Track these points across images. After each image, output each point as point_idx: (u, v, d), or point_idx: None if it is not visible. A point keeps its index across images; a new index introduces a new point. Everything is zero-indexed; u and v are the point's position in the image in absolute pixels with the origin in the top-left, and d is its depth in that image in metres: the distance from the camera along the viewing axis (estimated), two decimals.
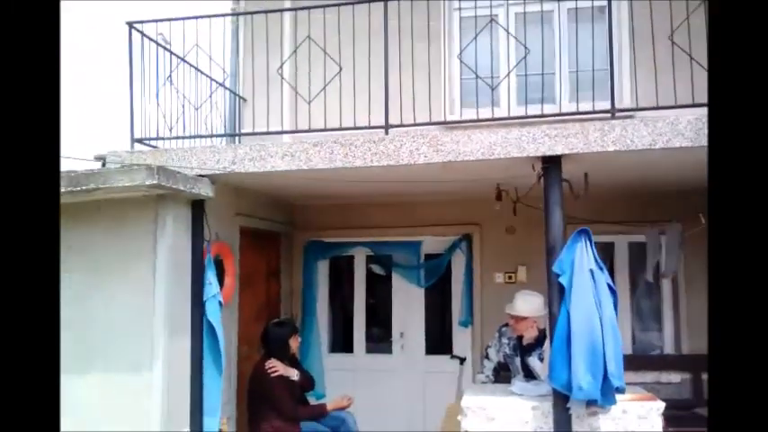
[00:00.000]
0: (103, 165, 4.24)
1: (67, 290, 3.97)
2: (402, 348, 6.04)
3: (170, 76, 4.62)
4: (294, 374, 4.59)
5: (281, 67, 4.46)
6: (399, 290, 6.08)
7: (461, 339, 5.82)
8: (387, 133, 4.00)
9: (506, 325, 4.64)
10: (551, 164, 3.68)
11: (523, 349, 4.48)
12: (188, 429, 3.99)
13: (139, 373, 3.75)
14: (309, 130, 4.20)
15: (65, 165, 3.61)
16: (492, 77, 4.28)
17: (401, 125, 4.07)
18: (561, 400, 3.53)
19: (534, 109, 4.35)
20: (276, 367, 4.47)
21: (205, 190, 3.99)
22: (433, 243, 5.95)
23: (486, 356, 4.74)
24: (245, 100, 5.95)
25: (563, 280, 3.47)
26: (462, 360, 5.68)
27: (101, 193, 3.65)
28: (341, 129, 4.13)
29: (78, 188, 3.48)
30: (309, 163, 3.92)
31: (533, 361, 4.35)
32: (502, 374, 4.68)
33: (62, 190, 3.49)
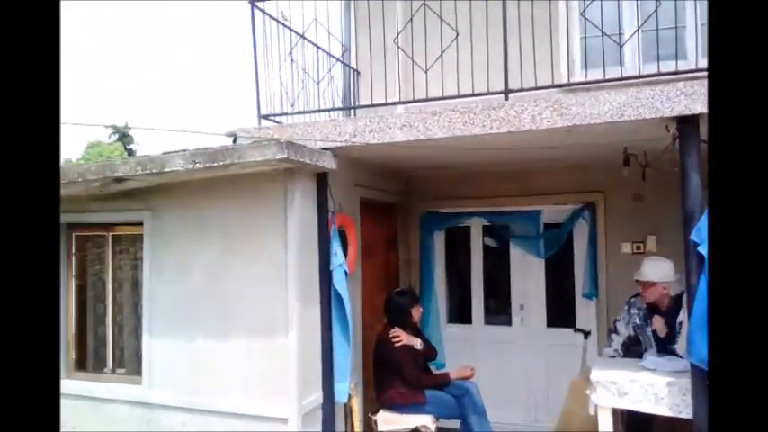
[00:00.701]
0: (234, 141, 4.48)
1: (204, 260, 4.29)
2: (522, 321, 5.94)
3: (290, 52, 4.77)
4: (417, 343, 4.67)
5: (398, 36, 4.45)
6: (518, 261, 5.96)
7: (585, 312, 5.62)
8: (506, 99, 3.89)
9: (636, 295, 4.43)
10: (688, 124, 3.41)
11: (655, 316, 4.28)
12: (320, 393, 4.19)
13: (276, 338, 3.98)
14: (427, 99, 4.17)
15: (201, 142, 3.86)
16: (619, 34, 4.01)
17: (521, 90, 3.94)
18: (700, 377, 3.32)
19: (665, 66, 4.03)
20: (400, 336, 4.57)
21: (329, 162, 4.10)
22: (552, 212, 5.76)
23: (614, 330, 4.55)
24: (359, 73, 6.02)
25: (702, 249, 3.23)
26: (586, 334, 5.49)
27: (235, 169, 3.85)
28: (459, 96, 4.06)
29: (215, 164, 3.69)
30: (428, 133, 3.90)
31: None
32: (631, 349, 4.48)
33: (200, 166, 3.74)
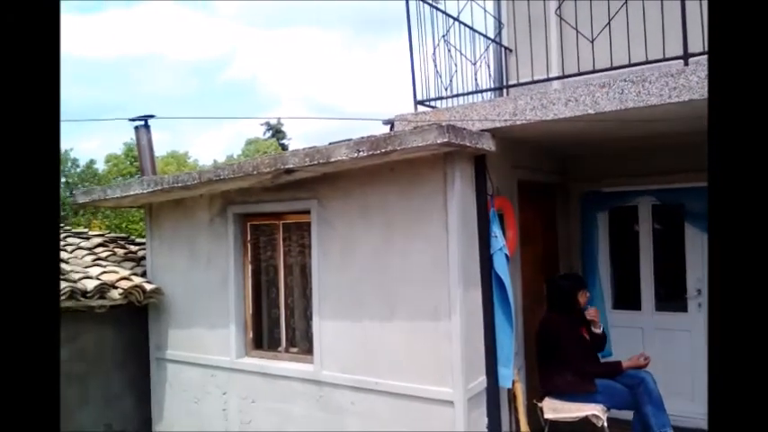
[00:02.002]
0: (391, 128, 4.55)
1: (367, 246, 4.42)
2: (699, 307, 5.44)
3: (443, 35, 4.73)
4: (598, 328, 4.47)
5: (560, 7, 4.23)
6: (694, 242, 5.45)
7: None
8: (686, 64, 3.53)
9: None
10: None
11: None
12: (484, 377, 4.15)
13: (439, 321, 4.00)
14: (593, 71, 3.93)
15: (363, 130, 3.97)
16: None
17: (704, 53, 3.55)
18: None
19: None
20: (594, 318, 4.40)
21: (488, 144, 4.02)
22: None
23: None
24: (510, 51, 5.83)
25: None
26: None
27: (395, 155, 3.91)
28: (630, 65, 3.77)
29: (378, 151, 3.77)
30: (596, 106, 3.67)
31: None
32: None
33: (364, 154, 3.84)
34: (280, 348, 5.14)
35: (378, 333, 4.36)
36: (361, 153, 3.86)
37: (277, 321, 5.19)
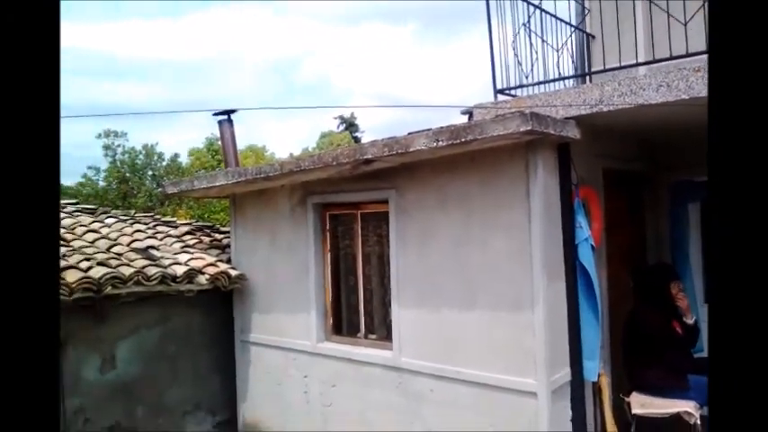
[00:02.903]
0: (469, 118, 4.51)
1: (446, 235, 4.41)
2: None
3: (525, 23, 4.63)
4: (690, 318, 4.30)
5: None
6: None
7: None
8: None
9: None
10: None
11: None
12: (568, 370, 4.07)
13: (521, 312, 3.95)
14: (688, 55, 3.74)
15: (437, 122, 3.97)
16: None
17: None
18: None
19: None
20: (683, 305, 4.24)
21: (572, 132, 3.91)
22: None
23: None
24: (593, 37, 5.64)
25: None
26: None
27: (475, 145, 3.88)
28: None
29: (458, 141, 3.75)
30: (690, 91, 3.49)
31: None
32: None
33: (443, 144, 3.84)
34: (359, 334, 5.24)
35: (457, 322, 4.36)
36: (440, 143, 3.86)
37: (356, 308, 5.28)
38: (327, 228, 5.43)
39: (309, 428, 5.42)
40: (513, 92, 4.67)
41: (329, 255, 5.44)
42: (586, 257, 4.01)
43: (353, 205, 5.19)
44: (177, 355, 6.14)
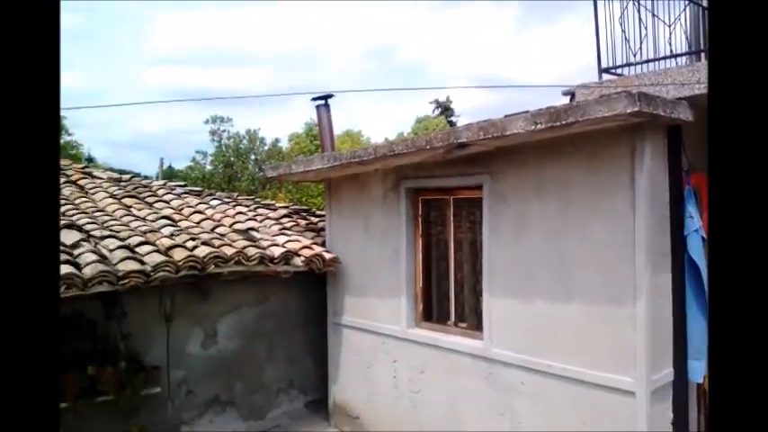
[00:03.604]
0: (571, 99, 4.28)
1: (542, 223, 4.23)
2: None
3: None
4: None
5: None
6: None
7: None
8: None
9: None
10: None
11: None
12: (671, 370, 3.80)
13: (621, 306, 3.72)
14: None
15: (540, 104, 3.78)
16: None
17: None
18: None
19: None
20: None
21: (684, 114, 3.61)
22: None
23: None
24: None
25: None
26: None
27: (577, 127, 3.67)
28: None
29: (558, 123, 3.57)
30: None
31: None
32: None
33: (542, 127, 3.66)
34: (449, 322, 5.17)
35: (551, 314, 4.19)
36: (539, 125, 3.68)
37: (446, 295, 5.22)
38: (420, 213, 5.39)
39: (398, 412, 5.44)
40: (619, 71, 4.38)
41: (421, 240, 5.40)
42: (696, 250, 3.70)
43: (446, 191, 5.11)
44: (273, 334, 6.37)
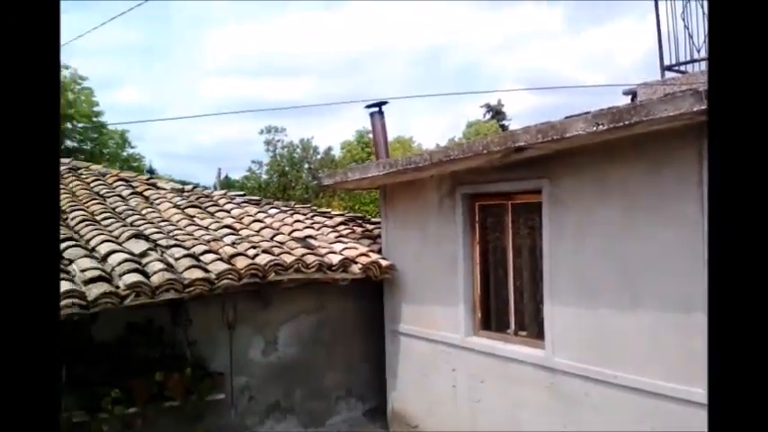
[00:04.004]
0: (632, 99, 4.15)
1: (605, 227, 4.11)
2: None
3: None
4: None
5: None
6: None
7: None
8: None
9: None
10: None
11: None
12: None
13: (691, 313, 3.56)
14: None
15: (594, 105, 3.68)
16: None
17: None
18: None
19: None
20: None
21: None
22: None
23: None
24: None
25: None
26: None
27: (640, 128, 3.55)
28: None
29: (621, 123, 3.46)
30: None
31: None
32: None
33: (604, 128, 3.56)
34: (508, 331, 5.09)
35: (616, 322, 4.05)
36: (600, 126, 3.59)
37: (505, 303, 5.13)
38: (476, 219, 5.34)
39: (457, 422, 5.38)
40: (682, 68, 4.22)
41: (478, 247, 5.34)
42: None
43: (504, 195, 5.04)
44: (331, 342, 6.42)
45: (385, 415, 6.35)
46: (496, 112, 37.02)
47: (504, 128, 34.00)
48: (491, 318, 5.33)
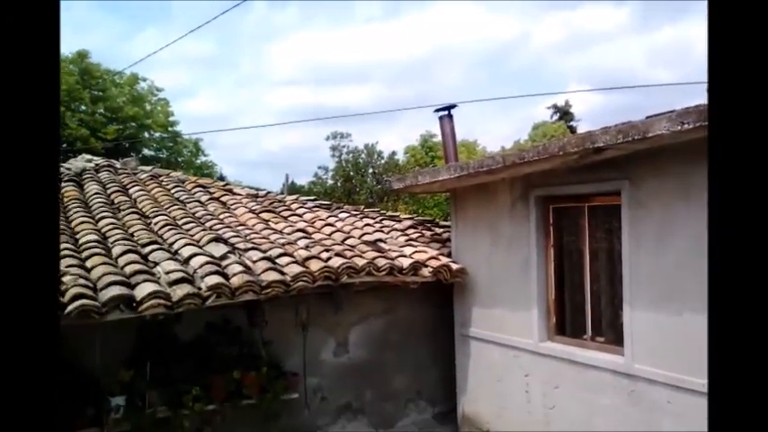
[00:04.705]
0: None
1: (689, 230, 3.94)
2: None
3: None
4: None
5: None
6: None
7: None
8: None
9: None
10: None
11: None
12: None
13: None
14: None
15: (664, 106, 3.54)
16: None
17: None
18: None
19: None
20: None
21: None
22: None
23: None
24: None
25: None
26: None
27: None
28: None
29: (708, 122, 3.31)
30: None
31: None
32: None
33: (689, 127, 3.42)
34: (585, 336, 4.96)
35: (701, 328, 3.86)
36: (686, 125, 3.45)
37: (581, 308, 5.00)
38: (551, 222, 5.23)
39: (530, 428, 5.28)
40: None
41: (552, 250, 5.24)
42: None
43: (580, 198, 4.92)
44: (400, 344, 6.45)
45: (455, 419, 6.32)
46: (564, 113, 36.13)
47: (572, 129, 33.16)
48: (566, 323, 5.21)
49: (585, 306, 4.95)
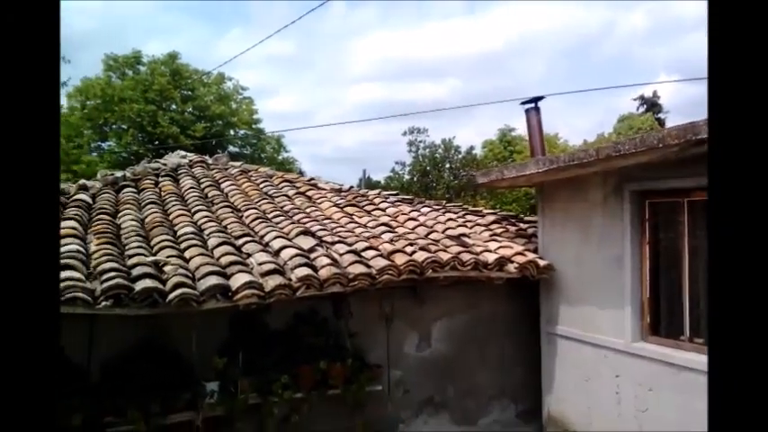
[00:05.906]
0: None
1: None
2: None
3: None
4: None
5: None
6: None
7: None
8: None
9: None
10: None
11: None
12: None
13: None
14: None
15: None
16: None
17: None
18: None
19: None
20: None
21: None
22: None
23: None
24: None
25: None
26: None
27: None
28: None
29: None
30: None
31: None
32: None
33: None
34: (682, 337, 4.72)
35: None
36: None
37: (679, 308, 4.76)
38: (646, 218, 5.01)
39: (621, 430, 5.09)
40: None
41: (647, 247, 5.01)
42: None
43: (679, 192, 4.67)
44: (483, 341, 6.39)
45: (539, 418, 6.19)
46: (652, 105, 34.46)
47: (660, 121, 31.59)
48: (661, 323, 4.97)
49: (683, 306, 4.70)
